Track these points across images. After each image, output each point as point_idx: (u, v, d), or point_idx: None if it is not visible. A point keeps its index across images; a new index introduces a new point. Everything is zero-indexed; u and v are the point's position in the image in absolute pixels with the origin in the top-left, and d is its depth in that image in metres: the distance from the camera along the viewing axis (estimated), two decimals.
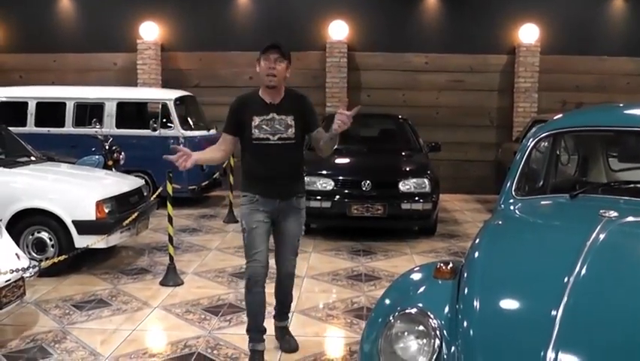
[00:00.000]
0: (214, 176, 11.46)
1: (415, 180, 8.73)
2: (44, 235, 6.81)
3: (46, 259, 6.43)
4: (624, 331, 2.56)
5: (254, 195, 4.53)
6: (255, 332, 4.64)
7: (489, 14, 13.41)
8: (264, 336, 4.67)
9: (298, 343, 4.96)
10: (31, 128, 10.86)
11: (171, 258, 6.70)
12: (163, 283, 6.61)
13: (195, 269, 7.27)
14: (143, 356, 4.80)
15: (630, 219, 3.39)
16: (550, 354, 2.43)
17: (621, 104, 4.91)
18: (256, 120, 4.46)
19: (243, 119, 4.48)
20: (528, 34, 13.19)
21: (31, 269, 5.11)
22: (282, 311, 5.01)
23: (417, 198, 8.64)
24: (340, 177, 8.78)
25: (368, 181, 8.61)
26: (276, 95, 4.49)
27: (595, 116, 4.66)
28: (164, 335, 5.39)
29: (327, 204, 8.57)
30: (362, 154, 9.81)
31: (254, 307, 4.61)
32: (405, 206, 8.60)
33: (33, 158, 7.83)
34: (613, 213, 3.34)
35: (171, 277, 6.66)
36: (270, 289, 4.77)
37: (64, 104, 11.03)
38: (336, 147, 4.62)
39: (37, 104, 11.07)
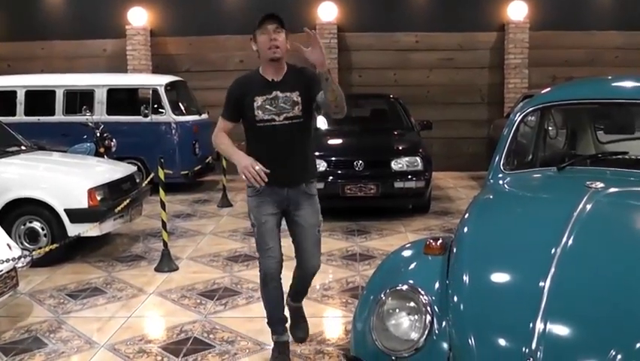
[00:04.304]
0: (207, 161, 11.45)
1: (407, 158, 8.76)
2: (36, 225, 6.79)
3: (39, 248, 6.42)
4: (610, 300, 2.60)
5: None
6: (277, 324, 4.39)
7: None
8: (286, 325, 4.46)
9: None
10: (20, 117, 10.79)
11: (165, 244, 6.70)
12: (158, 270, 6.61)
13: (190, 254, 7.27)
14: (139, 343, 4.80)
15: (616, 189, 3.42)
16: (539, 325, 2.47)
17: (609, 77, 4.91)
18: (258, 101, 4.06)
19: (243, 103, 4.09)
20: (517, 11, 13.18)
21: (23, 259, 5.08)
22: (298, 295, 4.67)
23: (410, 177, 8.66)
24: (333, 158, 8.77)
25: (360, 161, 8.62)
26: (279, 71, 4.10)
27: (580, 89, 4.67)
28: (159, 321, 5.41)
29: (319, 185, 8.51)
30: (354, 134, 9.81)
31: (272, 302, 4.34)
32: (398, 185, 8.62)
33: (23, 147, 7.79)
34: (599, 185, 3.37)
35: (166, 263, 6.65)
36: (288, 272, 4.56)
37: (54, 92, 10.95)
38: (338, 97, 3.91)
39: (27, 92, 10.97)
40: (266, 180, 3.80)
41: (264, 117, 4.05)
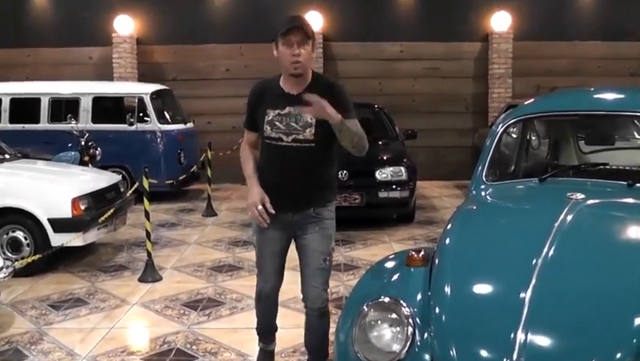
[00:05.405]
0: (192, 170, 11.43)
1: (391, 168, 8.79)
2: (19, 234, 6.74)
3: (22, 258, 6.39)
4: (591, 310, 2.63)
5: None
6: (266, 334, 4.23)
7: (462, 3, 13.47)
8: (276, 335, 4.29)
9: (278, 335, 4.87)
10: (5, 125, 10.74)
11: (149, 254, 6.66)
12: (141, 280, 6.58)
13: (174, 264, 7.25)
14: (121, 355, 4.77)
15: (595, 200, 3.46)
16: (520, 335, 2.49)
17: (591, 88, 4.97)
18: (270, 114, 3.63)
19: (257, 112, 3.72)
20: (501, 21, 13.30)
21: (5, 269, 5.06)
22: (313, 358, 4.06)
23: (394, 187, 8.69)
24: None
25: (345, 171, 8.60)
26: (299, 84, 3.62)
27: (562, 100, 4.71)
28: (142, 332, 5.39)
29: None
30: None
31: (265, 314, 4.15)
32: (382, 195, 8.66)
33: (7, 155, 7.75)
34: (580, 196, 3.40)
35: (150, 273, 6.62)
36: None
37: (39, 99, 10.90)
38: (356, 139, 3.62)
39: (12, 100, 10.93)
40: (268, 222, 3.62)
41: (271, 134, 3.64)
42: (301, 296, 3.95)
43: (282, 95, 3.65)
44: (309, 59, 3.58)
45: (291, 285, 6.20)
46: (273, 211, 3.63)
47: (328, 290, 3.90)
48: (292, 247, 3.95)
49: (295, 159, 3.57)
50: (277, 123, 3.63)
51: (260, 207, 3.60)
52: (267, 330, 4.23)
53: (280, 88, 3.68)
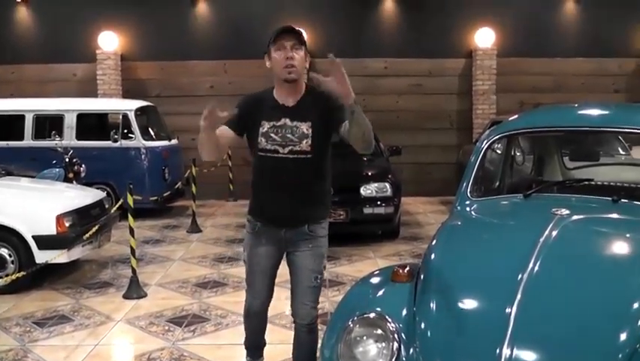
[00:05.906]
0: (176, 186, 11.41)
1: (376, 184, 8.80)
2: (4, 251, 6.67)
3: (6, 275, 6.35)
4: (576, 325, 2.64)
5: (255, 221, 3.79)
6: (254, 348, 4.19)
7: (446, 19, 13.54)
8: (264, 350, 4.24)
9: (265, 351, 4.87)
10: None
11: (134, 270, 6.63)
12: (126, 296, 6.55)
13: (159, 280, 7.22)
14: None
15: (580, 216, 3.48)
16: (506, 351, 2.49)
17: (575, 105, 5.02)
18: (265, 126, 3.59)
19: (248, 121, 3.63)
20: (484, 38, 13.39)
21: None
22: None
23: (379, 203, 8.70)
24: None
25: None
26: (293, 95, 3.63)
27: (546, 117, 4.74)
28: (127, 349, 5.37)
29: None
30: None
31: (253, 329, 4.12)
32: (367, 211, 8.66)
33: None
34: (564, 211, 3.41)
35: (134, 290, 6.59)
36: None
37: (23, 116, 10.84)
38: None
39: None
40: (215, 117, 3.28)
41: (266, 146, 3.60)
42: (288, 312, 3.96)
43: (276, 106, 3.63)
44: (302, 65, 3.55)
45: (277, 301, 6.18)
46: (225, 113, 3.35)
47: (318, 307, 3.88)
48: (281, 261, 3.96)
49: (291, 170, 3.54)
50: (272, 135, 3.58)
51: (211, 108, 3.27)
52: (255, 345, 4.20)
53: (274, 100, 3.65)
